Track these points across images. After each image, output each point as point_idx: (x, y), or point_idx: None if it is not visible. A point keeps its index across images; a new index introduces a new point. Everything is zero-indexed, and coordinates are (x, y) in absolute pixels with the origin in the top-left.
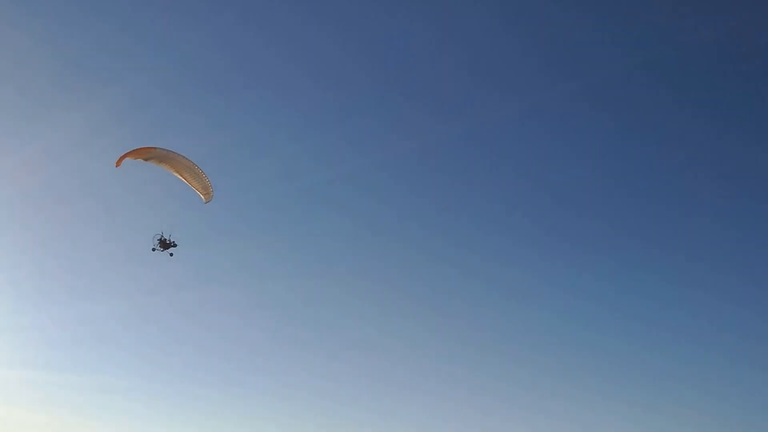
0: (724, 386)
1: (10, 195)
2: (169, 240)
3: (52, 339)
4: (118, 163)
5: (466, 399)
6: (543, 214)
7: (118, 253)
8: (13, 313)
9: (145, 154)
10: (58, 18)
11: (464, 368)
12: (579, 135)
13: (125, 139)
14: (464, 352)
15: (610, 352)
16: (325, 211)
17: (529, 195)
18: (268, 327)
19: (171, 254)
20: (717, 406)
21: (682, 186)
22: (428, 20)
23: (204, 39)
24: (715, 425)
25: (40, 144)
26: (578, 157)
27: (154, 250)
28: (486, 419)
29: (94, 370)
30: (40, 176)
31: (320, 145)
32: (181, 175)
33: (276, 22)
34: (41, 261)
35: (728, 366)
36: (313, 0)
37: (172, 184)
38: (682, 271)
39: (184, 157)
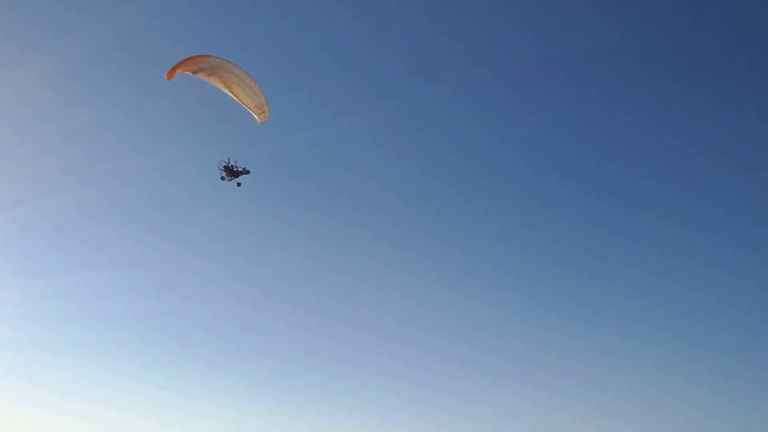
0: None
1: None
2: (236, 166)
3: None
4: (169, 76)
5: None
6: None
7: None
8: None
9: (198, 64)
10: None
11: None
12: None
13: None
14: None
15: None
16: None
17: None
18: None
19: (239, 184)
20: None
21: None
22: None
23: None
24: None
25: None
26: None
27: (223, 179)
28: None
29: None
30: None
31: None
32: (232, 91)
33: None
34: None
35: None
36: None
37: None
38: None
39: (239, 68)
